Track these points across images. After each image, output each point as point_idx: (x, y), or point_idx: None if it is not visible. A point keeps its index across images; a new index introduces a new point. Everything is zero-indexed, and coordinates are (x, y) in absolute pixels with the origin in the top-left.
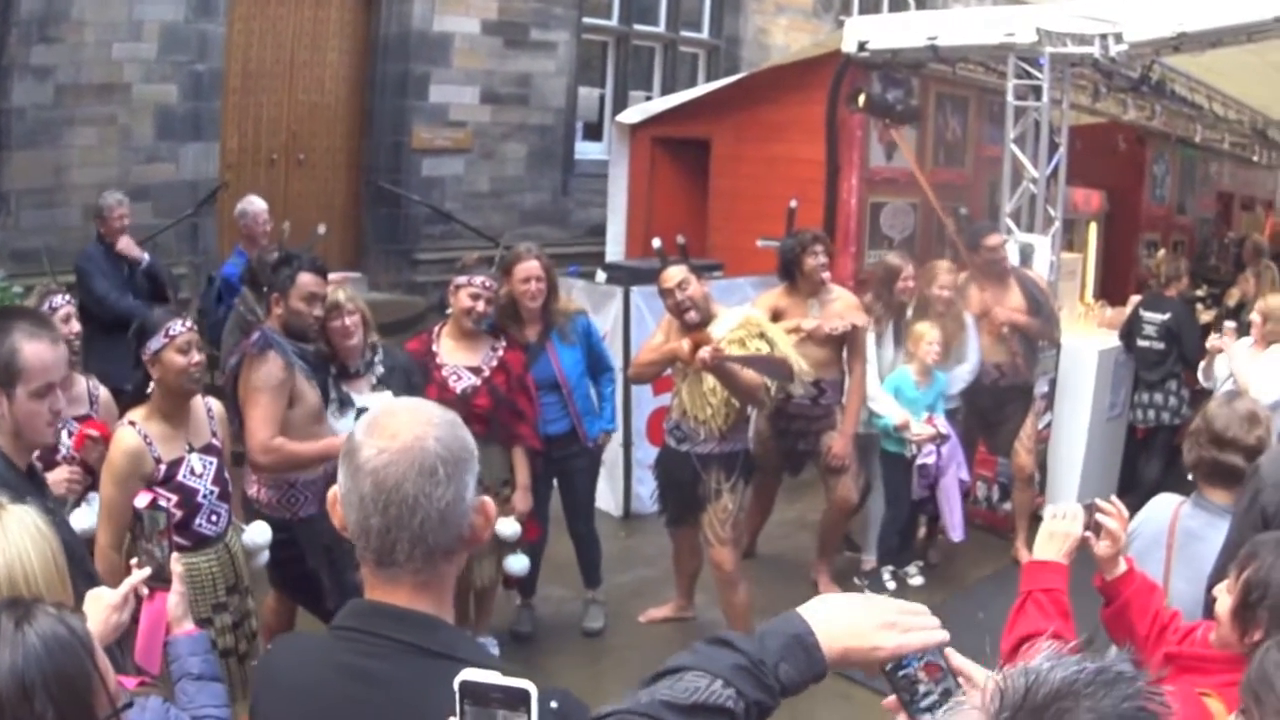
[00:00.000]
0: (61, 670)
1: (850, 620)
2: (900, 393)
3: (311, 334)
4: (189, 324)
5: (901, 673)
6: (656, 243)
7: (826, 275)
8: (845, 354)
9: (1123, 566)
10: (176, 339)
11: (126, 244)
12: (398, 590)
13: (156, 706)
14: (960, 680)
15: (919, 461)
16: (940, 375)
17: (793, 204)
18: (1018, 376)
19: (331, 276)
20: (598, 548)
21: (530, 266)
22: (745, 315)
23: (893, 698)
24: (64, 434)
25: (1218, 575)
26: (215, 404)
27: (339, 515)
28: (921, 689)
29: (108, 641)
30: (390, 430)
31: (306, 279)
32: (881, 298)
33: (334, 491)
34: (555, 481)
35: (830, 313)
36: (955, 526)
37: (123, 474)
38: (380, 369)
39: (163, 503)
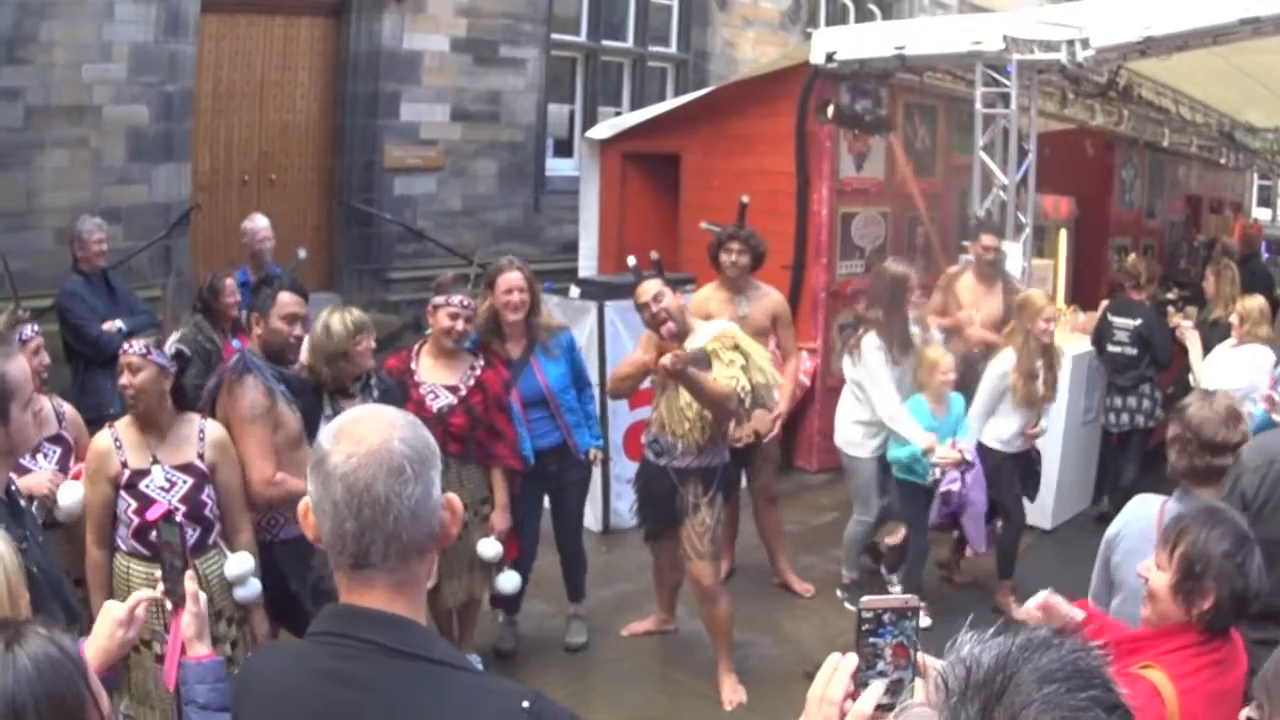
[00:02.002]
0: (53, 692)
1: None
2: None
3: (290, 354)
4: (128, 346)
5: (872, 639)
6: (631, 260)
7: (735, 273)
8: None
9: None
10: (120, 358)
11: None
12: (373, 593)
13: None
14: (917, 678)
15: (943, 488)
16: (958, 399)
17: (744, 199)
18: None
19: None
20: (584, 562)
21: (512, 278)
22: (721, 328)
23: (852, 657)
24: (40, 457)
25: None
26: (213, 428)
27: (311, 525)
28: (880, 665)
29: (115, 658)
30: (356, 436)
31: (287, 299)
32: (889, 311)
33: (304, 503)
34: (547, 498)
35: (758, 309)
36: (978, 539)
37: (92, 471)
38: (375, 392)
39: (178, 517)
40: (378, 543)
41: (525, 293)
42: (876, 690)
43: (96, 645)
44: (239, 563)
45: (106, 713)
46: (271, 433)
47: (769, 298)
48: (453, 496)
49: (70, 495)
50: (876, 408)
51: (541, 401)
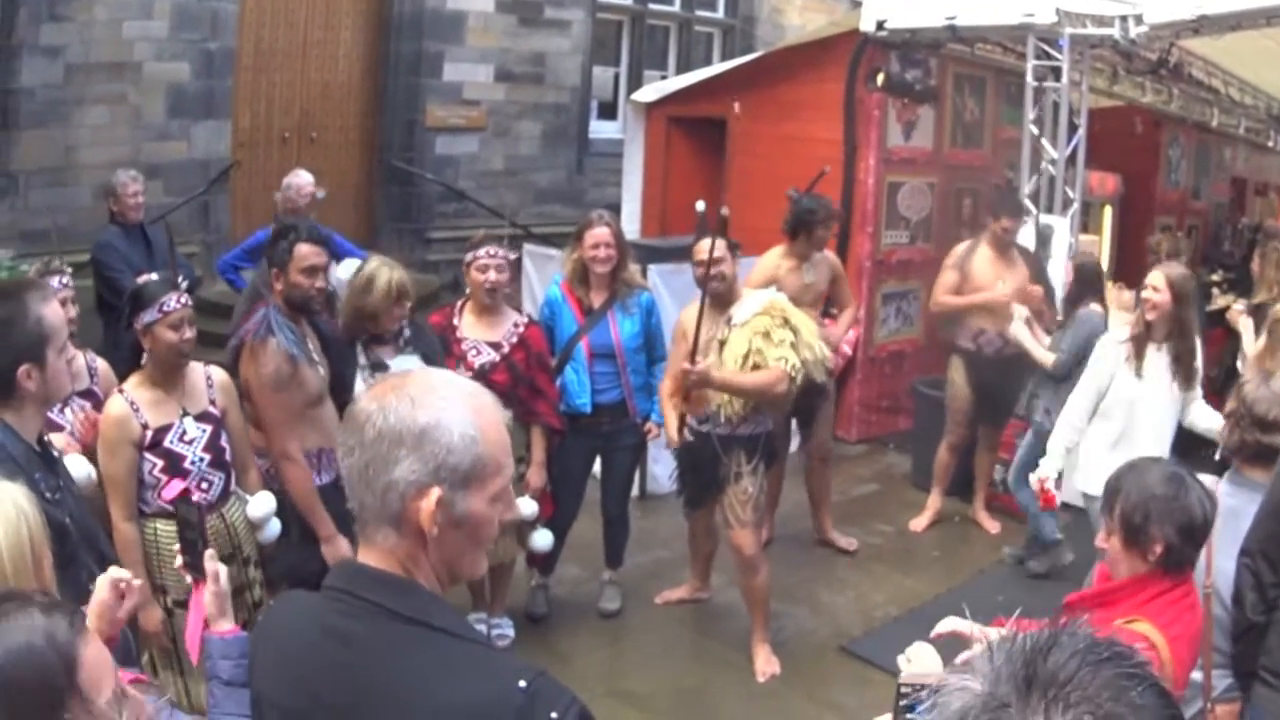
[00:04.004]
0: (24, 683)
1: None
2: None
3: (315, 305)
4: (184, 299)
5: (908, 715)
6: (700, 205)
7: (821, 246)
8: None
9: None
10: (170, 314)
11: None
12: (378, 552)
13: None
14: None
15: None
16: None
17: (826, 169)
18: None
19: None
20: (627, 529)
21: (599, 233)
22: (770, 299)
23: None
24: (67, 411)
25: (1252, 539)
26: (217, 373)
27: None
28: None
29: (118, 627)
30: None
31: (305, 250)
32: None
33: None
34: (599, 458)
35: (821, 274)
36: None
37: (112, 441)
38: (407, 332)
39: (195, 496)
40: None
41: (612, 248)
42: None
43: (97, 614)
44: (261, 503)
45: (102, 698)
46: (294, 399)
47: (826, 261)
48: (436, 490)
49: (77, 469)
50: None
51: (610, 355)
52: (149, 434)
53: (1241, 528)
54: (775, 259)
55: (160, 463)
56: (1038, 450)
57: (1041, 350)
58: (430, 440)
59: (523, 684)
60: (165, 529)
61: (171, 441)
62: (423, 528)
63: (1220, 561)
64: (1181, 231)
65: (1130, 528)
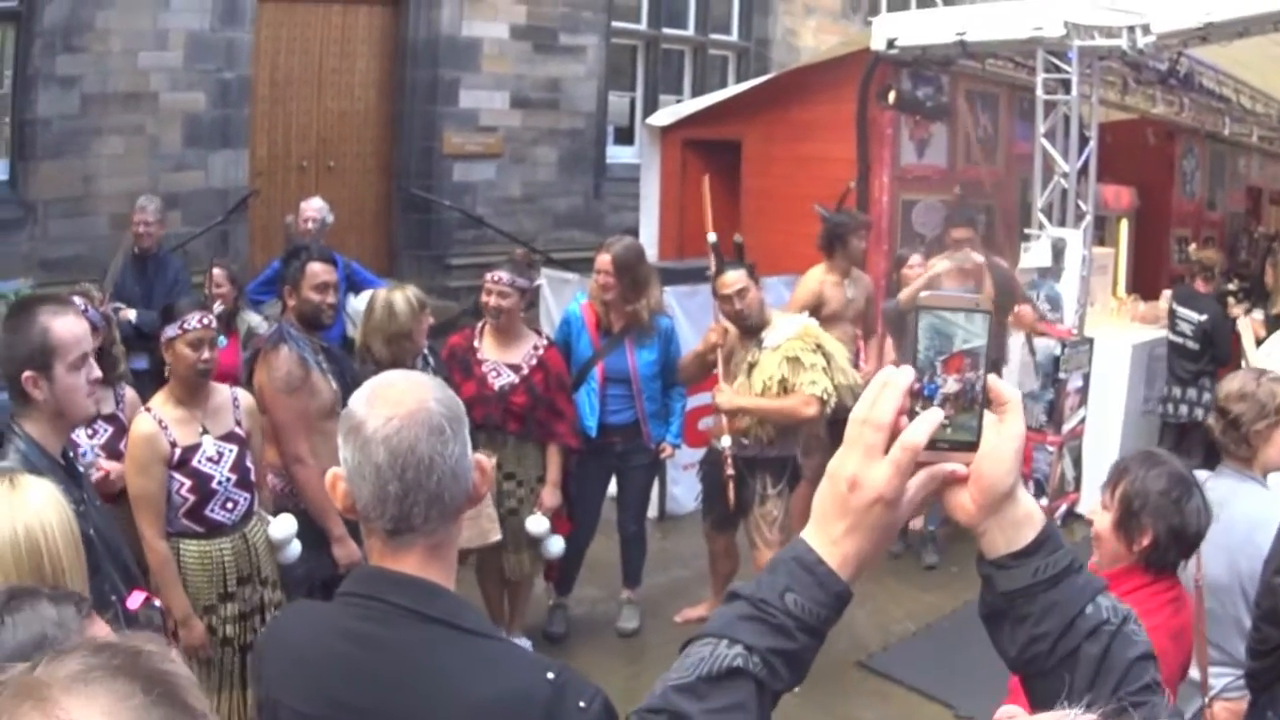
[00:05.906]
0: None
1: (821, 500)
2: None
3: (326, 321)
4: (206, 320)
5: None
6: (712, 237)
7: (860, 258)
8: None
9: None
10: (189, 333)
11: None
12: (409, 556)
13: None
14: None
15: None
16: None
17: (851, 184)
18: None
19: None
20: (644, 548)
21: (601, 260)
22: (804, 325)
23: (907, 371)
24: (85, 435)
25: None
26: (245, 397)
27: (342, 494)
28: (938, 380)
29: None
30: (393, 398)
31: (316, 268)
32: None
33: (332, 473)
34: (614, 479)
35: (861, 293)
36: None
37: (144, 459)
38: (432, 361)
39: (157, 602)
40: (420, 504)
41: (609, 276)
42: (933, 418)
43: None
44: (284, 525)
45: None
46: (306, 405)
47: (863, 280)
48: (481, 456)
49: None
50: None
51: (624, 380)
52: (177, 452)
53: (1224, 516)
54: (819, 275)
55: (188, 482)
56: None
57: None
58: (465, 413)
59: (551, 676)
60: (190, 548)
61: (199, 461)
62: (479, 493)
63: (1208, 551)
64: (1198, 243)
65: (1126, 511)
